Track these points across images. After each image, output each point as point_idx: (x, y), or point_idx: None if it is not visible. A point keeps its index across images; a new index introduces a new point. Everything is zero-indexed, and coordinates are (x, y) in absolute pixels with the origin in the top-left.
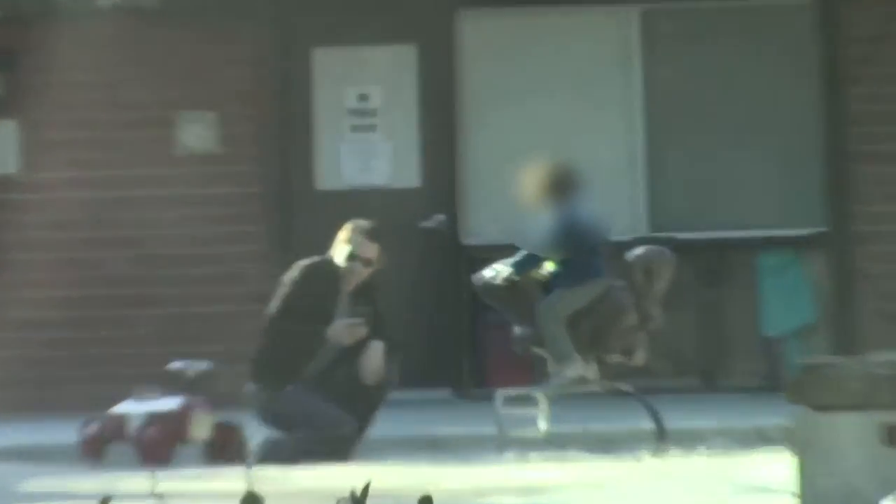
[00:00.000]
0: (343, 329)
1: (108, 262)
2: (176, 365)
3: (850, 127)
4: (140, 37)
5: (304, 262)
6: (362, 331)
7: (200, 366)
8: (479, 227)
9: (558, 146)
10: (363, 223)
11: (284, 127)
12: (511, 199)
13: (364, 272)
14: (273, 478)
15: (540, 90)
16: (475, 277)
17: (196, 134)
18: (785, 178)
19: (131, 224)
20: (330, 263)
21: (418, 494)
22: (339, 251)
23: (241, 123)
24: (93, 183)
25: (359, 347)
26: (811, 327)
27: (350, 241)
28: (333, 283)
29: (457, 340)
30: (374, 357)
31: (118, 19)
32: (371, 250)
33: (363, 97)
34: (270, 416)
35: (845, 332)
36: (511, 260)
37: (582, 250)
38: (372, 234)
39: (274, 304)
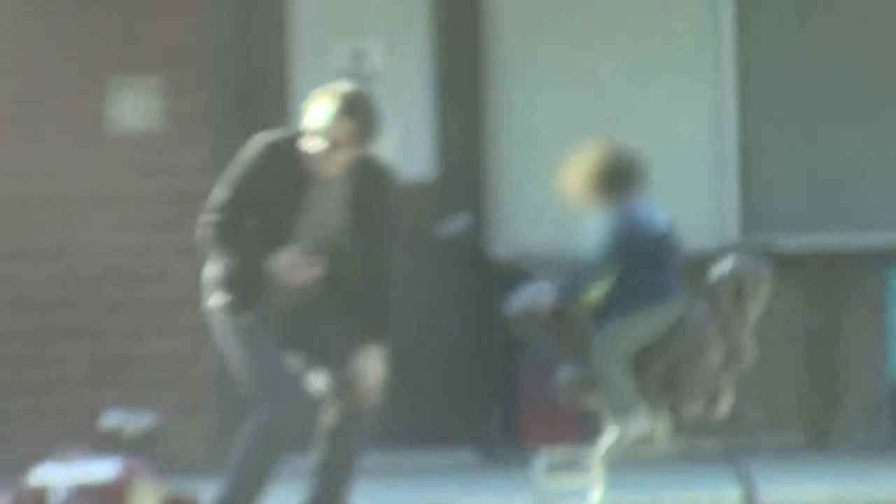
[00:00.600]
0: (287, 264)
1: (24, 281)
2: (112, 419)
3: None
4: None
5: (261, 137)
6: (315, 270)
7: (144, 420)
8: (512, 234)
9: (618, 123)
10: (344, 88)
11: (250, 97)
12: (555, 196)
13: (335, 158)
14: None
15: (594, 44)
16: (508, 303)
17: (133, 107)
18: None
19: (54, 230)
20: (292, 141)
21: None
22: (309, 125)
23: (192, 92)
24: (3, 176)
25: (312, 297)
26: None
27: (321, 112)
28: (294, 167)
29: (484, 386)
30: (373, 368)
31: None
32: (342, 129)
33: (359, 54)
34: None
35: None
36: (556, 279)
37: (647, 264)
38: (349, 107)
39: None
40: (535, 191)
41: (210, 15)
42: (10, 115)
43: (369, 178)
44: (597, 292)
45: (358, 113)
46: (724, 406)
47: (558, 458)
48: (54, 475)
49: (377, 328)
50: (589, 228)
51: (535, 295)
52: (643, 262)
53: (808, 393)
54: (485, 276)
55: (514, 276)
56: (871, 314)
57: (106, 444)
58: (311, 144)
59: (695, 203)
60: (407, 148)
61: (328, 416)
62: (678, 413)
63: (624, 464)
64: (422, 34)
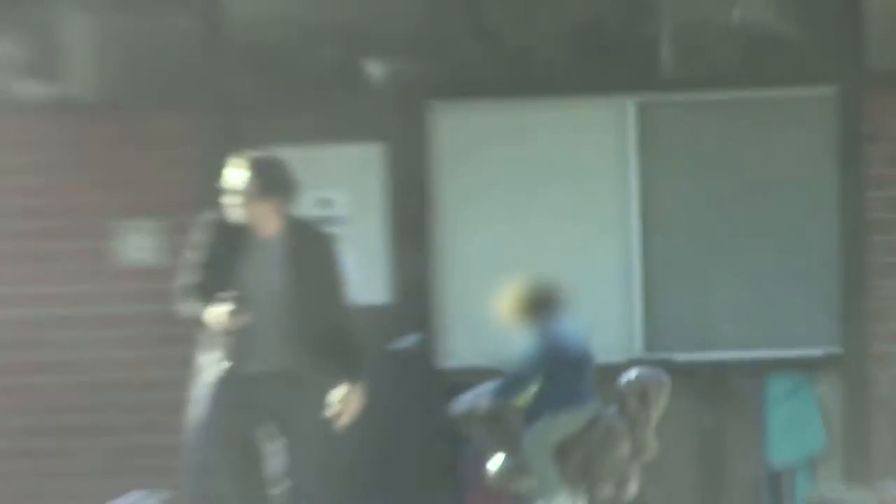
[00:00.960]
0: (214, 313)
1: (44, 388)
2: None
3: (870, 236)
4: (71, 136)
5: (205, 218)
6: (240, 318)
7: (158, 498)
8: (456, 349)
9: (544, 258)
10: (252, 154)
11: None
12: (491, 317)
13: (255, 214)
14: None
15: (523, 194)
16: (454, 406)
17: (136, 245)
18: (796, 293)
19: (67, 345)
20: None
21: None
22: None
23: (186, 233)
24: (23, 300)
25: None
26: (822, 457)
27: (233, 175)
28: (233, 234)
29: (433, 476)
30: (351, 402)
31: (44, 115)
32: (232, 179)
33: (325, 203)
34: None
35: (859, 463)
36: (493, 385)
37: (567, 372)
38: (253, 165)
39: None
40: (475, 313)
41: (200, 167)
42: (31, 251)
43: (307, 239)
44: (526, 396)
45: (260, 169)
46: (631, 490)
47: None
48: None
49: (350, 368)
50: (520, 344)
51: (475, 398)
52: (565, 371)
53: (700, 480)
54: (434, 383)
55: (458, 383)
56: (752, 415)
57: None
58: (230, 204)
59: (606, 325)
60: (367, 278)
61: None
62: (593, 495)
63: None
64: (379, 186)
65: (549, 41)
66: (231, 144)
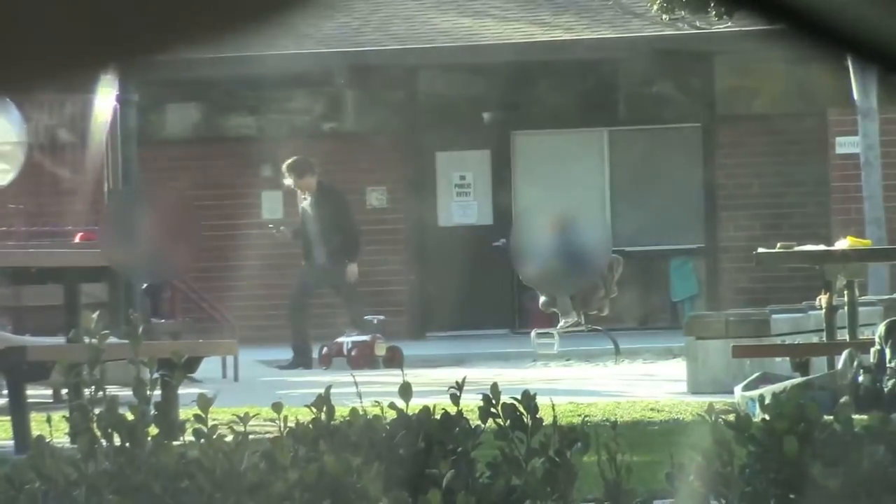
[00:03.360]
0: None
1: None
2: None
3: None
4: None
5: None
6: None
7: None
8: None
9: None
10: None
11: (419, 188)
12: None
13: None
14: None
15: (542, 179)
16: (522, 276)
17: None
18: (679, 233)
19: None
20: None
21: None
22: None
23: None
24: None
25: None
26: (697, 296)
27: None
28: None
29: (510, 306)
30: (351, 272)
31: None
32: (285, 171)
33: (463, 178)
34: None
35: (714, 300)
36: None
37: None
38: (287, 164)
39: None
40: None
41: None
42: None
43: (324, 194)
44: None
45: (289, 165)
46: (604, 312)
47: (542, 331)
48: None
49: (351, 252)
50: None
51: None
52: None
53: (644, 306)
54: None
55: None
56: (665, 276)
57: None
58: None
59: (589, 240)
60: (484, 213)
61: None
62: (586, 315)
63: (566, 334)
64: (487, 171)
65: (554, 93)
66: (414, 153)
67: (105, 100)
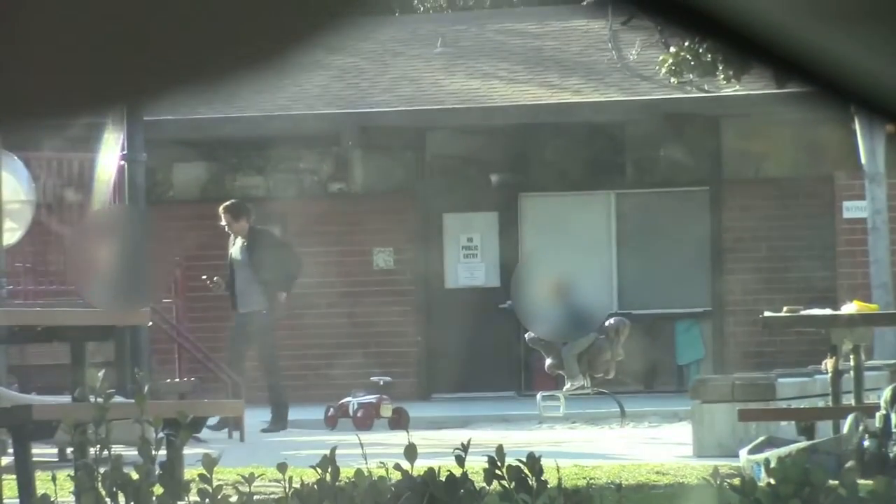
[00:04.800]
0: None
1: None
2: None
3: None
4: None
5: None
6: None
7: None
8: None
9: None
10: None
11: (427, 249)
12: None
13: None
14: None
15: (553, 237)
16: (528, 338)
17: None
18: (686, 284)
19: None
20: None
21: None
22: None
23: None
24: None
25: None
26: (702, 360)
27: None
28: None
29: (516, 368)
30: (280, 303)
31: None
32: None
33: (470, 239)
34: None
35: (720, 363)
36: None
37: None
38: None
39: None
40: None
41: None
42: None
43: (256, 237)
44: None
45: (225, 207)
46: (610, 375)
47: (548, 394)
48: None
49: (286, 283)
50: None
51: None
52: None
53: (648, 369)
54: (520, 330)
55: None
56: (671, 338)
57: None
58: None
59: (599, 298)
60: (491, 274)
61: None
62: (592, 377)
63: (572, 397)
64: (495, 232)
65: (562, 156)
66: (421, 209)
67: (110, 158)
